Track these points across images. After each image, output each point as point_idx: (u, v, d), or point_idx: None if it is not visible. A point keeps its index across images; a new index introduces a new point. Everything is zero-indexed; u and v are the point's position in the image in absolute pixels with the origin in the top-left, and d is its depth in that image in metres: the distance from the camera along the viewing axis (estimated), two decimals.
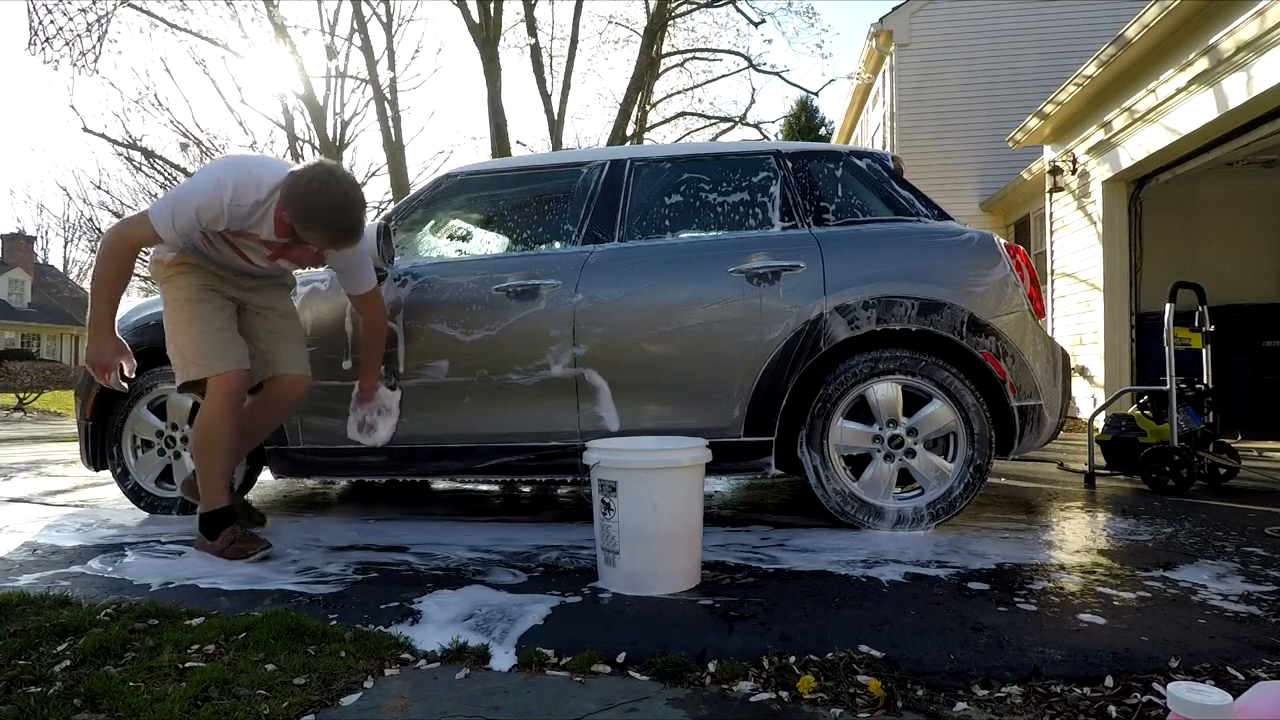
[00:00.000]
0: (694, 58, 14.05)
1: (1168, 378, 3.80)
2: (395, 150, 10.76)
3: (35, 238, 37.50)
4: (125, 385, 2.45)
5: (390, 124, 10.76)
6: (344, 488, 4.09)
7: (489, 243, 3.66)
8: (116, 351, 2.39)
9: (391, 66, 11.46)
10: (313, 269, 2.73)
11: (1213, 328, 4.18)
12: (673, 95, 14.76)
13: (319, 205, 2.25)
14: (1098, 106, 6.84)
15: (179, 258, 2.51)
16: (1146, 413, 4.11)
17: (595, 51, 15.76)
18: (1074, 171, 7.38)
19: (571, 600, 1.99)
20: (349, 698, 1.43)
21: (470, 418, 2.93)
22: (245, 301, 2.65)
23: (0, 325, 32.27)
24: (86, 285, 38.07)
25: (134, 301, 2.65)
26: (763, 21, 13.00)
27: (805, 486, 2.86)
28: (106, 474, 3.35)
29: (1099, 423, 4.26)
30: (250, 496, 3.75)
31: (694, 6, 12.64)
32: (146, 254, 2.73)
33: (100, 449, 3.29)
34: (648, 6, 12.47)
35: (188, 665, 1.55)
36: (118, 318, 3.40)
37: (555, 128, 11.71)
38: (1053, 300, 8.01)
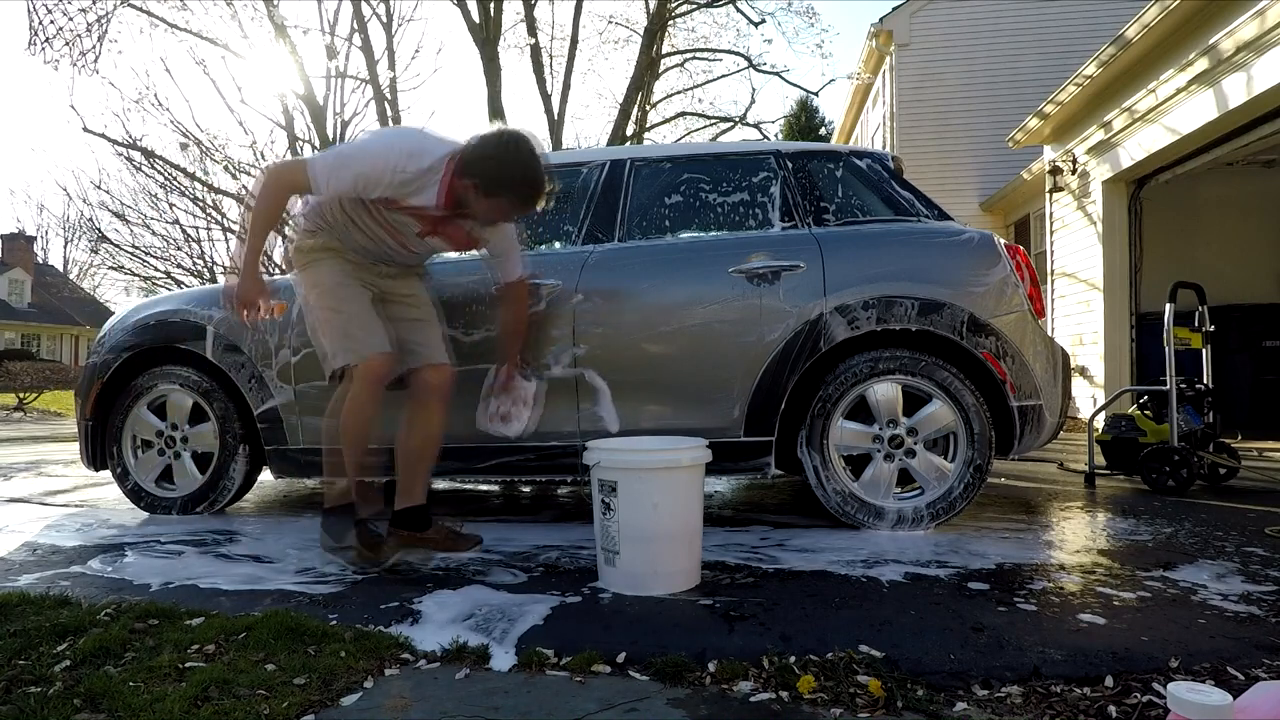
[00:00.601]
0: (694, 58, 14.05)
1: (1168, 378, 3.80)
2: None
3: (35, 238, 37.51)
4: (267, 318, 2.39)
5: (390, 124, 10.75)
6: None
7: None
8: (261, 291, 2.31)
9: (391, 66, 11.46)
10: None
11: (1213, 328, 4.18)
12: (673, 95, 14.76)
13: (518, 174, 2.18)
14: (1098, 106, 6.84)
15: (319, 243, 2.43)
16: (1146, 413, 4.11)
17: (595, 51, 15.77)
18: (1074, 171, 7.38)
19: (571, 600, 1.99)
20: (349, 698, 1.43)
21: (469, 418, 2.92)
22: (384, 290, 2.55)
23: (0, 325, 32.27)
24: (86, 285, 38.16)
25: (134, 301, 2.64)
26: (763, 21, 13.01)
27: (805, 486, 2.86)
28: (106, 474, 3.35)
29: (1099, 423, 4.26)
30: (250, 497, 3.75)
31: (694, 6, 12.63)
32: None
33: (100, 449, 3.29)
34: (648, 6, 12.47)
35: (188, 665, 1.55)
36: (117, 318, 3.42)
37: (555, 128, 11.70)
38: (1053, 300, 8.01)
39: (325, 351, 2.43)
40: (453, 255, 3.49)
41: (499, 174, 2.18)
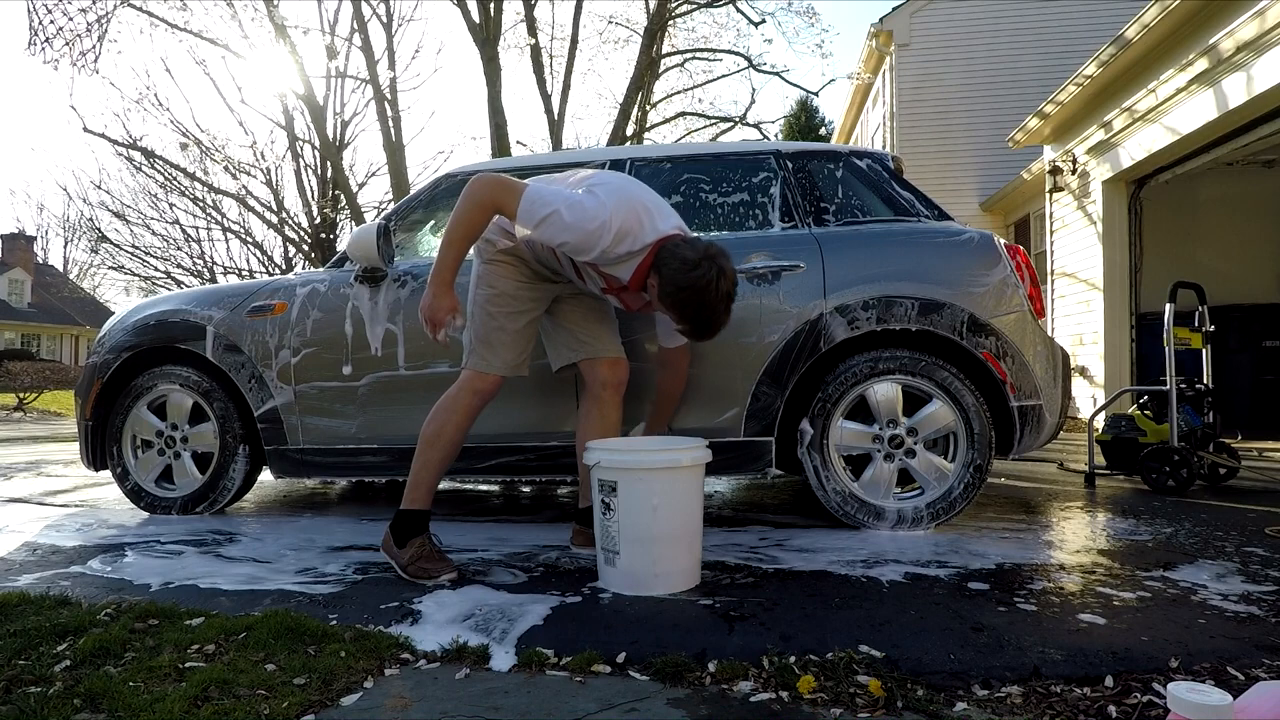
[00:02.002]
0: (694, 58, 14.04)
1: (1168, 378, 3.80)
2: (395, 150, 10.76)
3: (35, 238, 37.51)
4: (449, 340, 2.30)
5: (390, 124, 10.75)
6: (344, 488, 4.09)
7: None
8: (453, 308, 2.20)
9: (391, 66, 11.46)
10: (311, 271, 2.65)
11: (1213, 328, 4.18)
12: (673, 95, 14.76)
13: (697, 301, 2.12)
14: (1098, 106, 6.84)
15: (512, 248, 2.38)
16: (1146, 413, 4.11)
17: (595, 51, 15.78)
18: (1074, 171, 7.38)
19: (571, 600, 1.99)
20: (349, 698, 1.43)
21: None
22: (562, 292, 2.52)
23: (0, 325, 32.27)
24: (86, 285, 38.13)
25: (134, 301, 2.64)
26: (763, 21, 13.00)
27: (805, 486, 2.86)
28: (106, 474, 3.35)
29: (1099, 423, 4.26)
30: (250, 497, 3.75)
31: (694, 6, 12.63)
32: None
33: (100, 449, 3.29)
34: (648, 6, 12.47)
35: (188, 665, 1.55)
36: (116, 318, 3.42)
37: (555, 128, 11.70)
38: (1053, 300, 8.01)
39: (472, 347, 2.39)
40: None
41: (679, 297, 2.13)
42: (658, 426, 2.76)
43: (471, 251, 2.36)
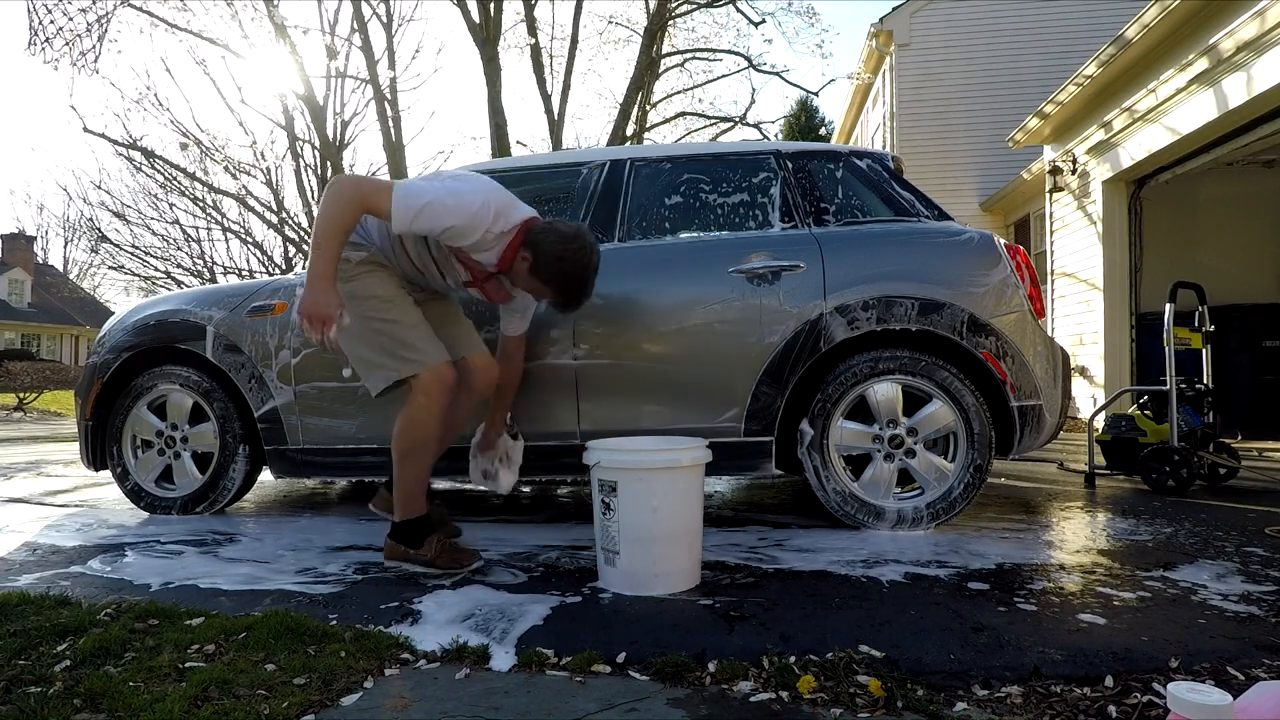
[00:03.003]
0: (694, 58, 14.04)
1: (1168, 378, 3.80)
2: (395, 150, 10.75)
3: (35, 238, 37.50)
4: (334, 345, 2.19)
5: (390, 124, 10.75)
6: (344, 488, 4.09)
7: None
8: (339, 305, 2.13)
9: (391, 66, 11.46)
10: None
11: (1213, 328, 4.18)
12: (673, 95, 14.75)
13: (573, 272, 2.23)
14: (1098, 106, 6.84)
15: (366, 256, 2.36)
16: (1146, 413, 4.11)
17: (595, 51, 15.78)
18: (1074, 171, 7.38)
19: (571, 600, 1.99)
20: (349, 698, 1.43)
21: (469, 417, 2.92)
22: (421, 299, 2.53)
23: (0, 325, 32.27)
24: (86, 285, 38.15)
25: (134, 301, 2.65)
26: (763, 22, 12.99)
27: (805, 486, 2.86)
28: (106, 474, 3.35)
29: (1099, 423, 4.26)
30: (250, 497, 3.75)
31: (694, 6, 12.62)
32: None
33: (100, 449, 3.29)
34: (648, 6, 12.46)
35: (188, 665, 1.55)
36: (116, 318, 3.42)
37: (555, 128, 11.69)
38: (1053, 300, 8.01)
39: (380, 365, 2.31)
40: None
41: (557, 269, 2.22)
42: (497, 419, 2.76)
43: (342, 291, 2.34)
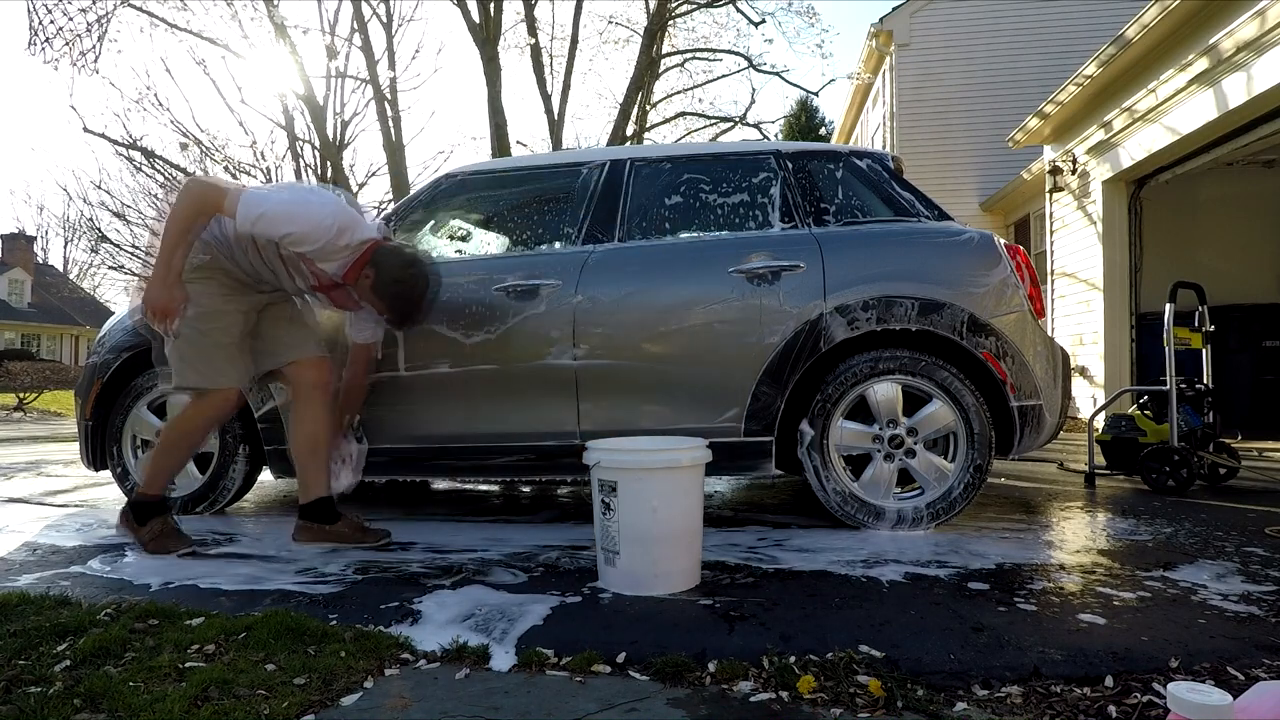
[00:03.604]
0: (694, 58, 14.04)
1: (1168, 378, 3.80)
2: (395, 150, 10.75)
3: (35, 238, 37.52)
4: (175, 335, 2.42)
5: (390, 124, 10.75)
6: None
7: (489, 243, 3.66)
8: (183, 299, 2.35)
9: (391, 66, 11.45)
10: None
11: (1213, 328, 4.18)
12: (673, 95, 14.75)
13: (408, 295, 2.46)
14: (1098, 106, 6.84)
15: (206, 260, 2.47)
16: (1146, 413, 4.11)
17: (595, 51, 15.74)
18: (1074, 171, 7.38)
19: (571, 600, 1.99)
20: (349, 698, 1.43)
21: (470, 418, 2.93)
22: (263, 300, 2.64)
23: (0, 325, 32.27)
24: (86, 285, 38.15)
25: (135, 300, 2.68)
26: (763, 22, 12.99)
27: (805, 486, 2.86)
28: (106, 474, 3.35)
29: (1099, 423, 4.26)
30: (250, 497, 3.75)
31: (694, 6, 12.62)
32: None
33: (100, 449, 3.29)
34: (648, 6, 12.46)
35: (188, 665, 1.55)
36: (116, 318, 3.42)
37: (555, 128, 11.69)
38: (1053, 300, 8.01)
39: (181, 367, 2.49)
40: (452, 255, 3.49)
41: (394, 290, 2.44)
42: (343, 422, 2.89)
43: None
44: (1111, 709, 1.37)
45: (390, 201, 12.89)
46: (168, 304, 2.31)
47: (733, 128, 13.75)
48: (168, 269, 2.30)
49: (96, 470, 3.33)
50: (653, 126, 13.97)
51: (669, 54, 13.39)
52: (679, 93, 14.75)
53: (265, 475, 3.52)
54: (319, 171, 13.94)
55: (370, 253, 2.44)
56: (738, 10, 12.92)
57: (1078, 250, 7.48)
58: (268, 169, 14.55)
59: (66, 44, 8.37)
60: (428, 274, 2.49)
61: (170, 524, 2.57)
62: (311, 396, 2.65)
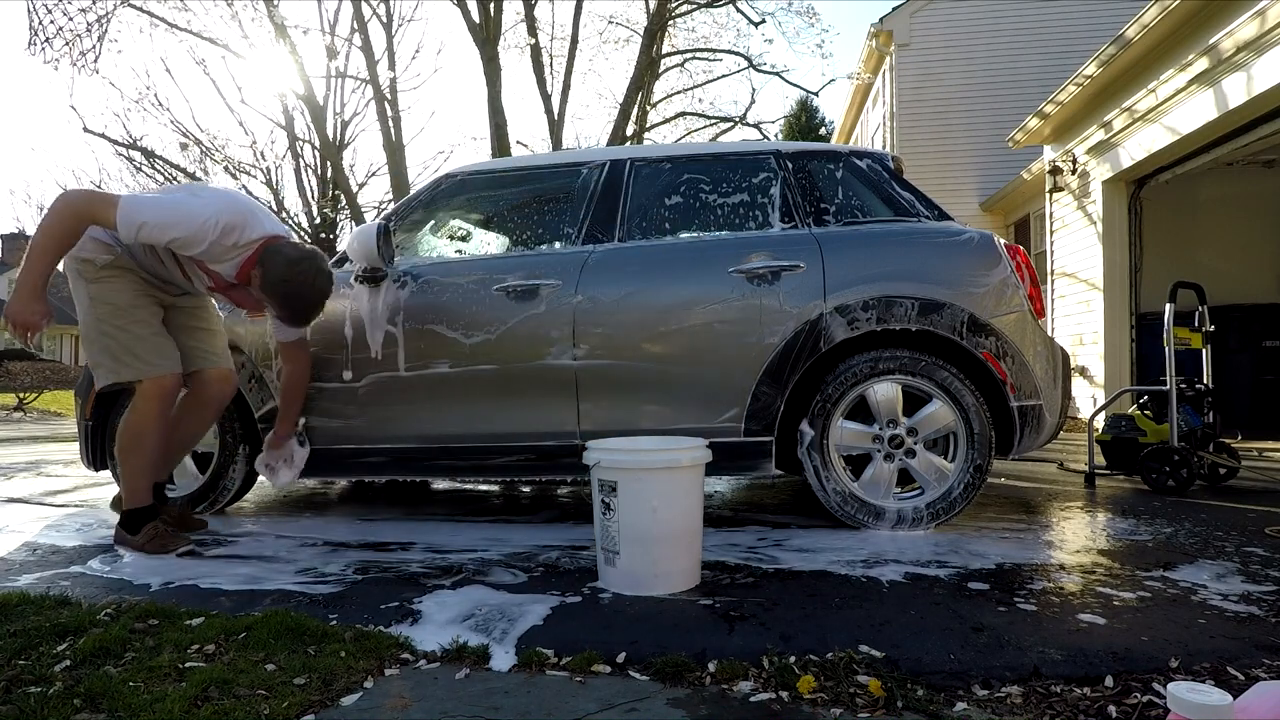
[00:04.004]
0: (694, 58, 14.04)
1: (1168, 378, 3.80)
2: (395, 150, 10.75)
3: None
4: (36, 349, 2.49)
5: (390, 124, 10.75)
6: (344, 488, 4.09)
7: (489, 243, 3.66)
8: (46, 314, 2.34)
9: (391, 66, 11.46)
10: None
11: (1213, 328, 4.18)
12: (673, 95, 14.75)
13: (297, 293, 2.45)
14: (1098, 106, 6.84)
15: (111, 260, 2.52)
16: (1146, 413, 4.11)
17: (595, 51, 15.75)
18: (1074, 171, 7.38)
19: (571, 600, 1.99)
20: (349, 698, 1.43)
21: (470, 418, 2.93)
22: (173, 302, 2.71)
23: (0, 325, 32.22)
24: None
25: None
26: (763, 22, 12.99)
27: (804, 486, 2.86)
28: (106, 474, 3.35)
29: (1099, 423, 4.26)
30: (250, 497, 3.75)
31: (694, 6, 12.62)
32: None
33: (100, 449, 3.28)
34: (648, 6, 12.46)
35: (188, 665, 1.55)
36: None
37: (555, 128, 11.70)
38: (1053, 300, 8.01)
39: (109, 364, 2.50)
40: (452, 255, 3.50)
41: (282, 289, 2.44)
42: (287, 421, 2.93)
43: (72, 280, 2.54)
44: (1111, 709, 1.37)
45: (390, 201, 12.89)
46: (29, 318, 2.27)
47: (733, 128, 13.76)
48: (34, 281, 2.27)
49: (96, 470, 3.33)
50: (653, 126, 13.97)
51: (669, 54, 13.39)
52: (679, 93, 14.76)
53: None
54: (319, 171, 13.95)
55: (259, 251, 2.44)
56: (738, 10, 12.93)
57: (1078, 250, 7.48)
58: (268, 169, 14.55)
59: (66, 44, 8.37)
60: (315, 271, 2.47)
61: (163, 525, 2.58)
62: (209, 403, 2.72)
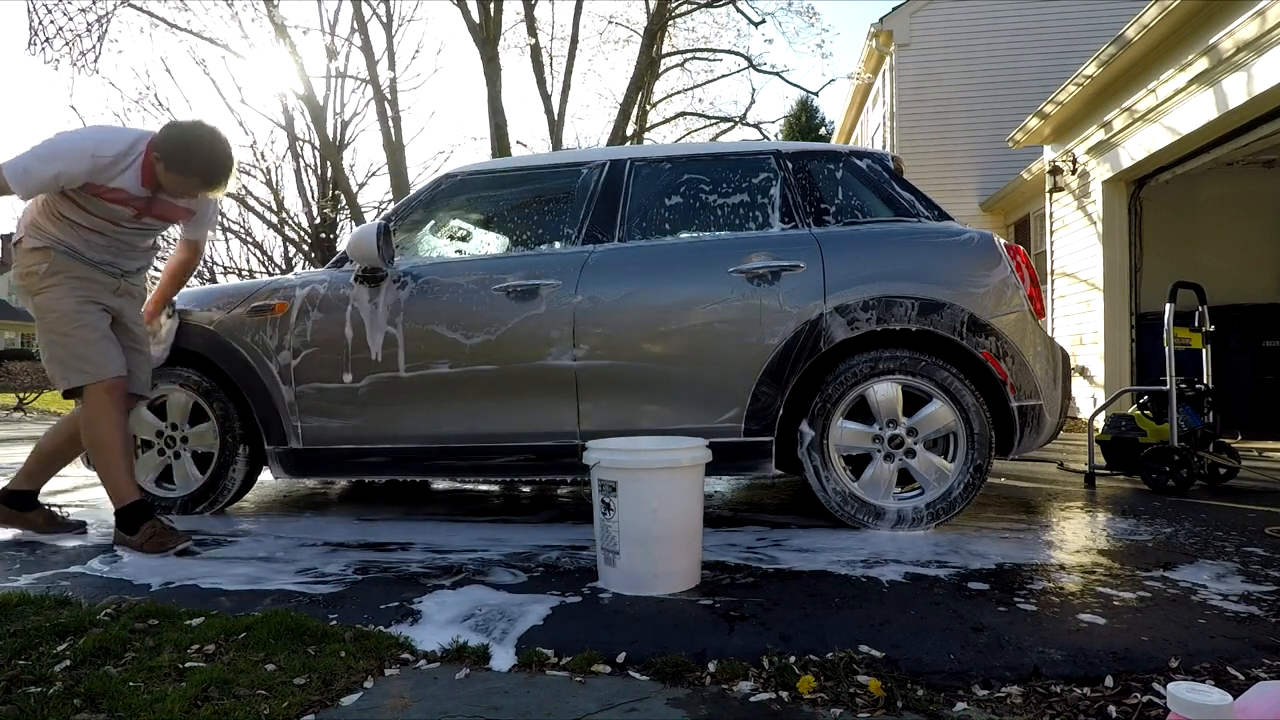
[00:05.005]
0: (694, 58, 14.03)
1: (1168, 378, 3.80)
2: (395, 150, 10.74)
3: None
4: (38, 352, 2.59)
5: (390, 124, 10.74)
6: (344, 488, 4.09)
7: (489, 243, 3.66)
8: None
9: (391, 66, 11.44)
10: (311, 271, 2.74)
11: (1213, 328, 4.18)
12: (673, 95, 14.74)
13: (207, 151, 2.50)
14: (1098, 106, 6.84)
15: (52, 268, 2.58)
16: (1146, 413, 4.11)
17: (595, 51, 15.76)
18: (1074, 171, 7.38)
19: (571, 600, 1.99)
20: (349, 698, 1.43)
21: (470, 418, 2.93)
22: (118, 313, 2.75)
23: (0, 325, 32.25)
24: None
25: None
26: (763, 22, 12.98)
27: (804, 486, 2.86)
28: None
29: (1099, 423, 4.26)
30: (250, 497, 3.75)
31: (694, 6, 12.62)
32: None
33: None
34: (648, 6, 12.45)
35: (188, 665, 1.55)
36: None
37: (555, 128, 11.69)
38: (1053, 300, 8.01)
39: (60, 371, 2.59)
40: (452, 255, 3.50)
41: (186, 155, 2.48)
42: (161, 297, 3.06)
43: (22, 299, 2.67)
44: (1111, 709, 1.37)
45: (390, 201, 12.89)
46: None
47: (733, 128, 13.75)
48: None
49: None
50: (653, 126, 13.97)
51: (669, 54, 13.39)
52: (679, 93, 14.75)
53: (265, 475, 3.52)
54: (319, 171, 13.94)
55: (149, 148, 2.51)
56: (738, 10, 12.92)
57: (1078, 250, 7.48)
58: (268, 169, 14.54)
59: (66, 44, 8.37)
60: (208, 128, 2.53)
61: (161, 525, 2.60)
62: (114, 410, 2.74)
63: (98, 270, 2.66)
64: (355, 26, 10.88)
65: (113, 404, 2.62)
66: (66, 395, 2.65)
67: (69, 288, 2.60)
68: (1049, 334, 2.92)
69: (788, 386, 2.74)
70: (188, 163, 2.48)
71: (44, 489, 2.99)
